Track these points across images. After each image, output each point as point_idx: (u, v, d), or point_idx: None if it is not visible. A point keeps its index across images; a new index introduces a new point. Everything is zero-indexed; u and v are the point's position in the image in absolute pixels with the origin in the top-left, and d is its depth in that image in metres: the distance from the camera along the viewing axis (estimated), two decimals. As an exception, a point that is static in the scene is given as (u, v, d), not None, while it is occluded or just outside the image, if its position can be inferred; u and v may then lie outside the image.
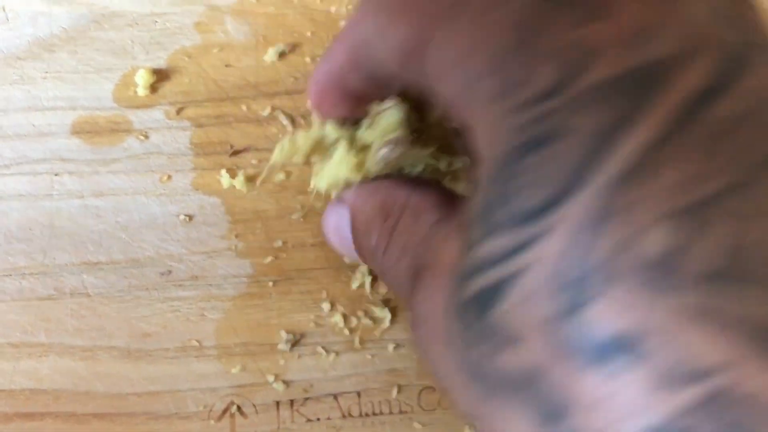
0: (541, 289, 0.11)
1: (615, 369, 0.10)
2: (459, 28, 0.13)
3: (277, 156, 0.20)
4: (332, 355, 0.26)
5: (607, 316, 0.10)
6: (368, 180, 0.19)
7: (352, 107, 0.18)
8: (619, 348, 0.10)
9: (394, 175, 0.19)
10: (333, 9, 0.29)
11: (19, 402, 0.24)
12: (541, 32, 0.12)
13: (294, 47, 0.28)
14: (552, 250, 0.11)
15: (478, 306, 0.12)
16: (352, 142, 0.19)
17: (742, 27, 0.12)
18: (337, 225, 0.19)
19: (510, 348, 0.11)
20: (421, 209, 0.16)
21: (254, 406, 0.25)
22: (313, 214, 0.26)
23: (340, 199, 0.19)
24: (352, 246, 0.18)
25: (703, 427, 0.10)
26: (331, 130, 0.19)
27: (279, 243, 0.26)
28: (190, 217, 0.26)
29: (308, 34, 0.28)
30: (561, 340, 0.11)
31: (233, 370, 0.25)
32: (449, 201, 0.16)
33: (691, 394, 0.10)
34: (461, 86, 0.13)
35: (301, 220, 0.27)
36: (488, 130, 0.12)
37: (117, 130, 0.27)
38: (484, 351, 0.12)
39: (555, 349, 0.11)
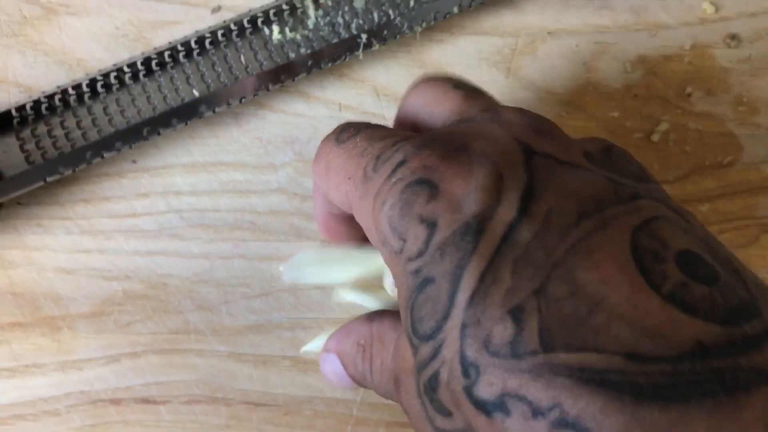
0: (451, 376, 0.17)
1: (501, 416, 0.16)
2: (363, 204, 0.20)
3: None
4: None
5: (488, 387, 0.16)
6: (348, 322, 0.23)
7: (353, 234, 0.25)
8: (500, 403, 0.16)
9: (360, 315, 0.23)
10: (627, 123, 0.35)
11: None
12: (405, 211, 0.18)
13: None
14: (449, 353, 0.17)
15: (428, 391, 0.18)
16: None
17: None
18: (332, 369, 0.24)
19: (449, 417, 0.18)
20: (383, 334, 0.22)
21: None
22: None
23: (326, 349, 0.24)
24: (350, 380, 0.23)
25: None
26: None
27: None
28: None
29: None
30: (471, 405, 0.17)
31: None
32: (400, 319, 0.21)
33: (543, 424, 0.16)
34: (376, 242, 0.19)
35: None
36: (397, 273, 0.19)
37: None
38: (438, 420, 0.18)
39: (471, 411, 0.17)
